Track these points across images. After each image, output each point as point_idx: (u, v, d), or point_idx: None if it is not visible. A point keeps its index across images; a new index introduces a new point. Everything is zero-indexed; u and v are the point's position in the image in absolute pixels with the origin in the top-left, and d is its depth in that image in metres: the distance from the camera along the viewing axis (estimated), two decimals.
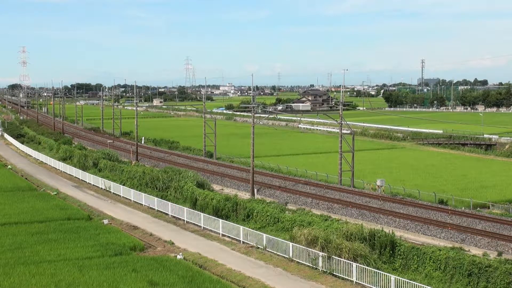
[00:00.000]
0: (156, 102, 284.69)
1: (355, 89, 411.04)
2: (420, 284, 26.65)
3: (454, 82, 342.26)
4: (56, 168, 71.66)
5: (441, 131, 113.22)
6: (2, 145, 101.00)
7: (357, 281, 29.02)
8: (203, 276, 29.56)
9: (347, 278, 29.52)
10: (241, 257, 34.06)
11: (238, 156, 78.70)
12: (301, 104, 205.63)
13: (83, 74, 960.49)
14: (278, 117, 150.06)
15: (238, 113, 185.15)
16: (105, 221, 42.86)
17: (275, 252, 34.16)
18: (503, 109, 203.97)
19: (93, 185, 59.64)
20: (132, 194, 51.78)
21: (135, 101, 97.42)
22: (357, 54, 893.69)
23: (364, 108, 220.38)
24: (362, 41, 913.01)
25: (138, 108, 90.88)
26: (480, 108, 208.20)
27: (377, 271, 28.76)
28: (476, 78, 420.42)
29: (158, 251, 35.43)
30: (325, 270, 30.66)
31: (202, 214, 42.03)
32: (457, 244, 36.97)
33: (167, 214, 45.49)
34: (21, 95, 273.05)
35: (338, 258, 30.48)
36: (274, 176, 61.25)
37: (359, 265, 29.52)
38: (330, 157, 78.34)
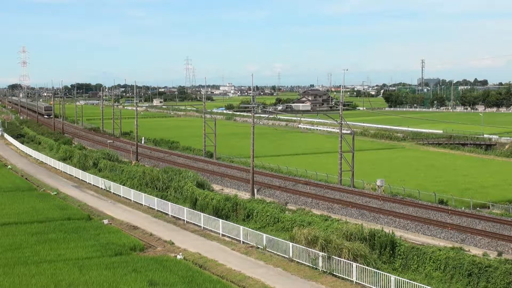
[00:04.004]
0: (156, 102, 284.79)
1: (355, 89, 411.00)
2: (420, 284, 26.64)
3: (454, 82, 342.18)
4: (56, 168, 71.66)
5: (441, 131, 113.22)
6: (2, 145, 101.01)
7: (357, 281, 29.02)
8: (203, 276, 29.57)
9: (347, 278, 29.51)
10: (241, 257, 34.06)
11: (238, 156, 78.69)
12: (301, 104, 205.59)
13: (83, 74, 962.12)
14: (278, 117, 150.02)
15: (238, 113, 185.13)
16: (105, 221, 42.86)
17: (275, 252, 34.15)
18: (503, 109, 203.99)
19: (93, 185, 59.64)
20: (132, 194, 51.78)
21: (135, 101, 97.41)
22: (357, 54, 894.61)
23: (364, 108, 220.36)
24: (362, 41, 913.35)
25: (138, 108, 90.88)
26: (480, 108, 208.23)
27: (377, 271, 28.76)
28: (476, 78, 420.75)
29: (158, 251, 35.43)
30: (325, 270, 30.65)
31: (202, 214, 42.03)
32: (457, 244, 36.95)
33: (167, 214, 45.48)
34: (21, 94, 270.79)
35: (338, 258, 30.48)
36: (274, 176, 61.24)
37: (359, 265, 29.51)
38: (330, 157, 78.31)
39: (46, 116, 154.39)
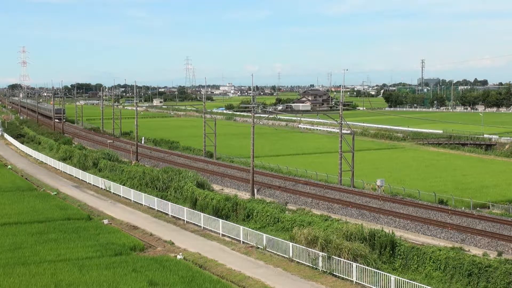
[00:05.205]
0: (156, 102, 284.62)
1: (355, 89, 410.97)
2: (420, 284, 26.65)
3: (454, 82, 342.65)
4: (56, 168, 71.65)
5: (441, 131, 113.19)
6: (2, 145, 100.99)
7: (357, 281, 29.02)
8: (203, 276, 29.57)
9: (347, 278, 29.52)
10: (241, 257, 34.07)
11: (238, 156, 78.67)
12: (301, 104, 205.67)
13: (83, 74, 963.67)
14: (278, 117, 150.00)
15: (238, 113, 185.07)
16: (105, 221, 42.87)
17: (275, 252, 34.15)
18: (503, 109, 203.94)
19: (93, 185, 59.63)
20: (132, 194, 51.77)
21: (135, 101, 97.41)
22: (357, 54, 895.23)
23: (364, 108, 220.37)
24: (362, 41, 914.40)
25: (138, 108, 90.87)
26: (480, 108, 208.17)
27: (377, 271, 28.77)
28: (476, 78, 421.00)
29: (158, 251, 35.43)
30: (325, 270, 30.66)
31: (202, 214, 42.03)
32: (457, 244, 36.96)
33: (167, 214, 45.49)
34: (21, 94, 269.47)
35: (338, 258, 30.49)
36: (274, 176, 61.22)
37: (359, 265, 29.52)
38: (330, 157, 78.31)
39: (57, 121, 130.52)
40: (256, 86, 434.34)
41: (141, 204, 49.37)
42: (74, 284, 27.84)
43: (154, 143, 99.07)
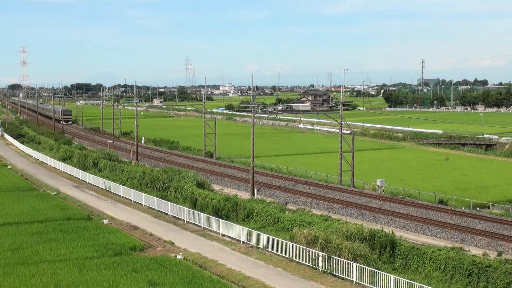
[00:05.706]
0: (156, 102, 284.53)
1: (355, 89, 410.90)
2: (420, 284, 26.65)
3: (454, 82, 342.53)
4: (56, 168, 71.63)
5: (441, 131, 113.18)
6: (2, 145, 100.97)
7: (357, 281, 29.02)
8: (203, 276, 29.57)
9: (347, 278, 29.51)
10: (241, 257, 34.06)
11: (238, 156, 78.68)
12: (301, 104, 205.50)
13: (83, 74, 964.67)
14: (278, 117, 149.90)
15: (238, 113, 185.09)
16: (105, 221, 42.87)
17: (275, 252, 34.15)
18: (503, 109, 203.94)
19: (93, 185, 59.62)
20: (132, 194, 51.76)
21: (135, 101, 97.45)
22: (357, 54, 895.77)
23: (364, 108, 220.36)
24: (362, 41, 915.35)
25: (138, 108, 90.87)
26: (480, 108, 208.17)
27: (377, 271, 28.76)
28: (476, 78, 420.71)
29: (158, 251, 35.43)
30: (325, 270, 30.66)
31: (202, 214, 42.03)
32: (457, 244, 36.96)
33: (167, 214, 45.48)
34: (21, 94, 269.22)
35: (338, 258, 30.48)
36: (274, 176, 61.22)
37: (359, 265, 29.51)
38: (330, 157, 78.28)
39: (63, 123, 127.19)
40: (256, 86, 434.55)
41: (141, 204, 49.36)
42: (74, 284, 27.84)
43: (154, 143, 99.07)
